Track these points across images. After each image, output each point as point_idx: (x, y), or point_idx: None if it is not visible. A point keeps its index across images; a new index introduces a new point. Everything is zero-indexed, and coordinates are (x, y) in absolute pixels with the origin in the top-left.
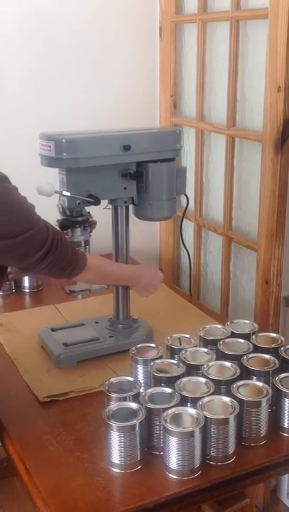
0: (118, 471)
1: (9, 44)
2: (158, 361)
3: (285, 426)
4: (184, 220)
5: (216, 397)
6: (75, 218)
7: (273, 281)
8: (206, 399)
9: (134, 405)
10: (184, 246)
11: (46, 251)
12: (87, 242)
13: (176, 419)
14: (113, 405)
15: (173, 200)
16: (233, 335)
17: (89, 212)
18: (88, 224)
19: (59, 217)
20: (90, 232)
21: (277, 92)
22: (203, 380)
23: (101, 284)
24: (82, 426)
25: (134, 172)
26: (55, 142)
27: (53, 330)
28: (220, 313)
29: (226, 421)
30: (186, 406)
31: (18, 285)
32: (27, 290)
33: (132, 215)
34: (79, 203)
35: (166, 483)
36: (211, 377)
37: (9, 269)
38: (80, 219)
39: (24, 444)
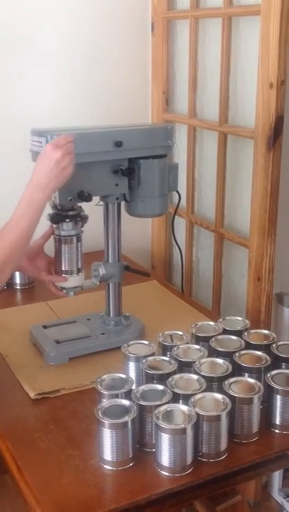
0: (110, 468)
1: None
2: (150, 358)
3: (277, 422)
4: (176, 217)
5: (208, 394)
6: (66, 212)
7: (265, 278)
8: (198, 396)
9: (126, 402)
10: (176, 243)
11: None
12: (78, 239)
13: (168, 416)
14: (105, 402)
15: (165, 196)
16: (225, 332)
17: (80, 207)
18: (80, 218)
19: (50, 211)
20: (82, 226)
21: (269, 88)
22: (195, 376)
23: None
24: (74, 423)
25: (126, 168)
26: (46, 138)
27: (44, 327)
28: (212, 310)
29: (217, 418)
30: (178, 403)
31: (10, 282)
32: (18, 287)
33: (124, 212)
34: (70, 200)
35: (158, 480)
36: (203, 374)
37: None
38: (71, 213)
39: (15, 441)
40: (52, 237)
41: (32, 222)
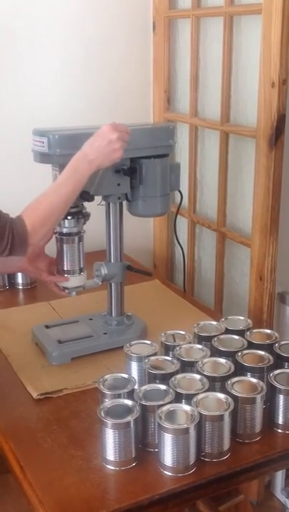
0: (113, 468)
1: (1, 39)
2: (152, 358)
3: (280, 422)
4: (178, 216)
5: (210, 393)
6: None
7: (267, 278)
8: (200, 395)
9: (128, 402)
10: (177, 242)
11: None
12: (80, 238)
13: (171, 415)
14: (108, 402)
15: (167, 196)
16: (227, 331)
17: (82, 204)
18: (82, 215)
19: None
20: (84, 223)
21: (271, 87)
22: (197, 376)
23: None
24: (77, 423)
25: (128, 168)
26: (48, 138)
27: (47, 327)
28: (214, 310)
29: (220, 417)
30: (181, 403)
31: (12, 282)
32: (20, 287)
33: (125, 212)
34: None
35: (161, 480)
36: (205, 373)
37: None
38: (73, 210)
39: (18, 441)
40: (53, 237)
41: (73, 190)
